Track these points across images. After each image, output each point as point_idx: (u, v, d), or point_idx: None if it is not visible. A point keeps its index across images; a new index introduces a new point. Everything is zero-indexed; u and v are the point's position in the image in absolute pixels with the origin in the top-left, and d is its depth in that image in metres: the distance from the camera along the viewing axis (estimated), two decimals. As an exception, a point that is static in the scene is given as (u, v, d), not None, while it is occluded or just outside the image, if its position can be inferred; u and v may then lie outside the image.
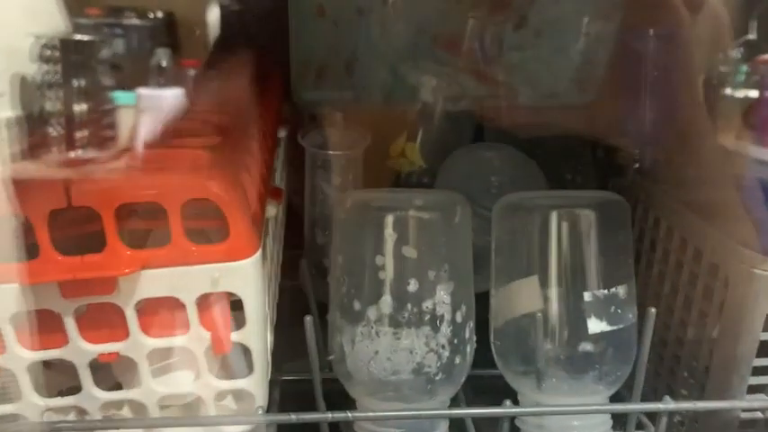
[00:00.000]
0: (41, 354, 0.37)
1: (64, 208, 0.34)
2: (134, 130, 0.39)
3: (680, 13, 0.51)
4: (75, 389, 0.38)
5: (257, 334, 0.39)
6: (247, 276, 0.37)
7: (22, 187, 0.34)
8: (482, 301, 0.47)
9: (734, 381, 0.45)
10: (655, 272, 0.54)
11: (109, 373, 0.40)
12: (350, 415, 0.41)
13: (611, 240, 0.45)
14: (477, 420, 0.46)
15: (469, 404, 0.49)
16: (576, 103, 0.65)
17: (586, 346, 0.44)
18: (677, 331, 0.51)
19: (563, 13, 0.62)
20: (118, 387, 0.39)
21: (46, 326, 0.36)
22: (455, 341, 0.43)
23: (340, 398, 0.46)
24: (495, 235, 0.47)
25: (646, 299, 0.54)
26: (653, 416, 0.45)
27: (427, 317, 0.42)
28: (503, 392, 0.46)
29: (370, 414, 0.44)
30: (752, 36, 0.50)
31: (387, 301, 0.42)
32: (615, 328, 0.44)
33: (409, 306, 0.42)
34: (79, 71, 0.37)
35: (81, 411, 0.39)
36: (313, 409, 0.45)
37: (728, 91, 0.51)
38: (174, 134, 0.40)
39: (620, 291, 0.45)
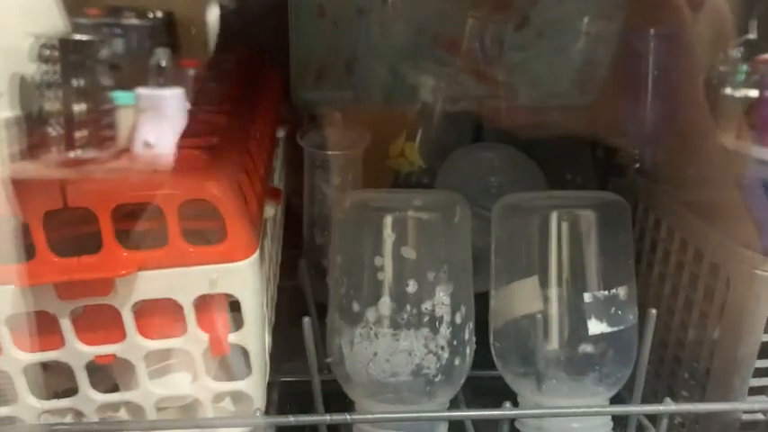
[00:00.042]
0: (37, 356, 0.36)
1: (60, 209, 0.34)
2: (133, 130, 0.39)
3: (682, 13, 0.50)
4: (73, 391, 0.38)
5: (255, 335, 0.39)
6: (245, 277, 0.37)
7: (18, 187, 0.33)
8: (482, 301, 0.47)
9: (735, 382, 0.45)
10: (655, 273, 0.54)
11: (106, 375, 0.39)
12: (348, 417, 0.41)
13: (611, 241, 0.45)
14: (476, 422, 0.46)
15: (469, 405, 0.49)
16: (577, 104, 0.65)
17: (586, 348, 0.44)
18: (678, 332, 0.51)
19: (565, 14, 0.62)
20: (115, 389, 0.39)
21: (42, 327, 0.36)
22: (454, 342, 0.43)
23: (339, 399, 0.46)
24: (494, 235, 0.47)
25: (646, 300, 0.53)
26: (653, 417, 0.45)
27: (426, 318, 0.42)
28: (502, 393, 0.46)
29: (369, 416, 0.43)
30: (752, 36, 0.50)
31: (386, 303, 0.42)
32: (615, 329, 0.44)
33: (408, 307, 0.42)
34: (78, 71, 0.37)
35: (78, 413, 0.39)
36: (312, 410, 0.44)
37: (729, 91, 0.50)
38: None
39: (621, 292, 0.45)
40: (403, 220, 0.43)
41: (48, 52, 0.36)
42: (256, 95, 0.53)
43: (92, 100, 0.38)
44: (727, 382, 0.45)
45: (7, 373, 0.37)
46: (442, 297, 0.43)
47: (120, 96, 0.39)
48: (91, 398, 0.38)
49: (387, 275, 0.42)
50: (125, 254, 0.35)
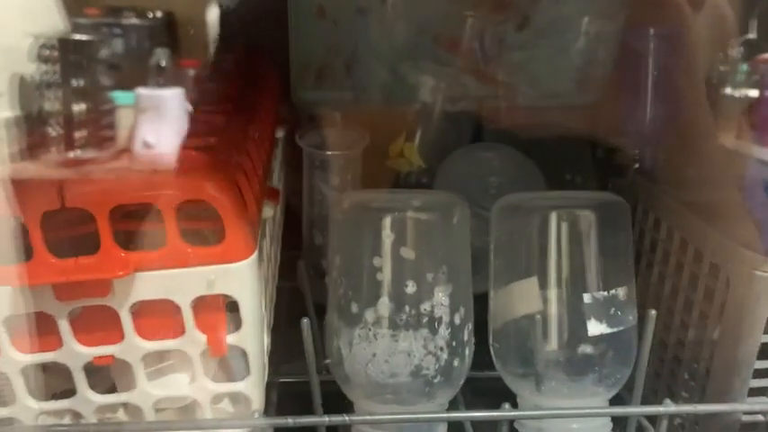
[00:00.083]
0: (35, 357, 0.36)
1: (58, 209, 0.33)
2: (133, 130, 0.39)
3: (683, 12, 0.50)
4: (71, 392, 0.38)
5: (254, 336, 0.39)
6: (243, 278, 0.37)
7: (16, 188, 0.33)
8: (481, 302, 0.47)
9: (735, 383, 0.45)
10: (655, 273, 0.54)
11: (104, 376, 0.39)
12: (347, 418, 0.41)
13: (610, 241, 0.45)
14: (475, 423, 0.46)
15: (468, 406, 0.49)
16: (577, 104, 0.65)
17: (586, 349, 0.44)
18: (678, 333, 0.51)
19: (565, 13, 0.61)
20: (113, 390, 0.39)
21: (40, 328, 0.36)
22: (453, 343, 0.43)
23: (338, 400, 0.46)
24: (493, 236, 0.47)
25: (646, 300, 0.53)
26: (653, 418, 0.45)
27: (425, 319, 0.42)
28: (502, 394, 0.46)
29: (368, 417, 0.43)
30: (752, 35, 0.50)
31: (384, 303, 0.42)
32: (615, 330, 0.44)
33: (407, 308, 0.42)
34: (78, 71, 0.37)
35: (76, 414, 0.39)
36: (311, 411, 0.44)
37: (729, 90, 0.50)
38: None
39: (620, 292, 0.45)
40: (402, 221, 0.43)
41: (47, 52, 0.36)
42: (255, 95, 0.53)
43: (91, 100, 0.38)
44: (727, 383, 0.45)
45: (5, 374, 0.36)
46: (440, 298, 0.42)
47: (119, 96, 0.39)
48: (89, 399, 0.38)
49: (386, 276, 0.42)
50: (123, 255, 0.35)
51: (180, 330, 0.37)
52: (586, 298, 0.44)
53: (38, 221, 0.33)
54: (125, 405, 0.40)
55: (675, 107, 0.55)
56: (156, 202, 0.34)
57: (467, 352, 0.44)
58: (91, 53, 0.38)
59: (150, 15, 0.51)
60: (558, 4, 0.62)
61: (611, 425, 0.46)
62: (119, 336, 0.36)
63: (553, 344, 0.44)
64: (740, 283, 0.44)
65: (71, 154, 0.36)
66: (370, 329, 0.42)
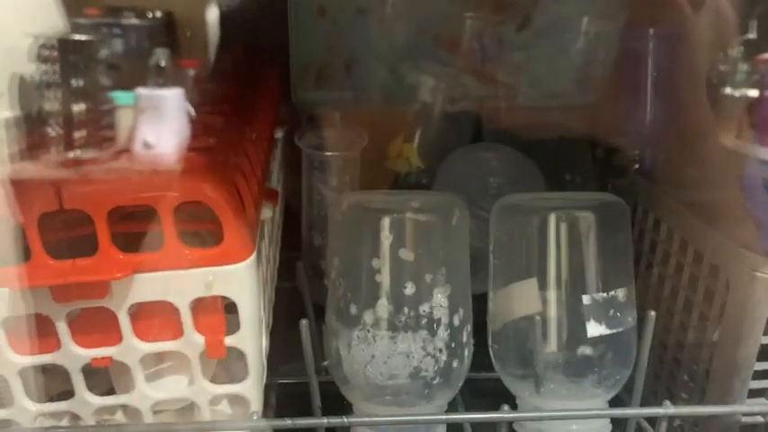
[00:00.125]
0: (33, 358, 0.36)
1: (56, 211, 0.33)
2: (133, 130, 0.39)
3: (683, 12, 0.50)
4: (69, 393, 0.38)
5: (252, 338, 0.38)
6: (242, 280, 0.37)
7: (14, 189, 0.33)
8: (480, 303, 0.47)
9: (735, 385, 0.44)
10: (654, 274, 0.54)
11: (103, 378, 0.39)
12: (346, 420, 0.41)
13: (610, 242, 0.45)
14: (474, 424, 0.46)
15: (467, 407, 0.48)
16: (578, 104, 0.64)
17: (585, 350, 0.44)
18: (677, 334, 0.51)
19: (566, 13, 0.61)
20: (112, 392, 0.39)
21: (38, 330, 0.36)
22: (452, 345, 0.43)
23: (337, 401, 0.45)
24: (493, 236, 0.47)
25: (645, 301, 0.53)
26: (653, 420, 0.45)
27: (424, 320, 0.42)
28: (501, 395, 0.46)
29: (367, 419, 0.43)
30: (752, 35, 0.50)
31: (383, 305, 0.42)
32: (614, 331, 0.44)
33: (406, 309, 0.42)
34: (78, 71, 0.37)
35: (74, 416, 0.39)
36: (310, 412, 0.44)
37: (728, 90, 0.50)
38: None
39: (620, 293, 0.44)
40: (401, 222, 0.43)
41: (47, 52, 0.36)
42: (255, 96, 0.53)
43: (91, 100, 0.37)
44: (727, 385, 0.45)
45: (3, 376, 0.36)
46: (439, 299, 0.42)
47: (119, 96, 0.39)
48: (87, 401, 0.38)
49: (384, 277, 0.42)
50: (121, 256, 0.35)
51: (178, 332, 0.37)
52: (586, 299, 0.44)
53: (35, 223, 0.33)
54: (123, 407, 0.39)
55: (675, 107, 0.55)
56: (154, 204, 0.34)
57: (466, 353, 0.44)
58: (90, 53, 0.38)
59: (150, 15, 0.51)
60: (557, 4, 0.61)
61: (610, 426, 0.46)
62: (117, 337, 0.36)
63: (552, 345, 0.44)
64: (740, 284, 0.43)
65: (71, 154, 0.36)
66: (368, 331, 0.42)
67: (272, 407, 0.47)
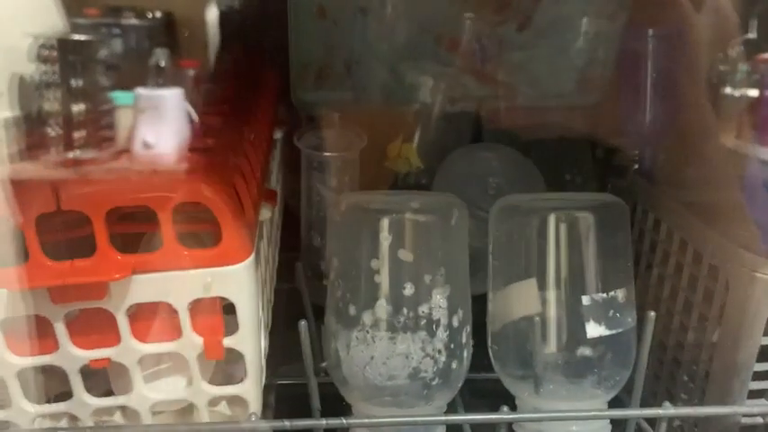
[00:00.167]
0: (31, 360, 0.36)
1: (54, 211, 0.33)
2: (132, 131, 0.39)
3: (685, 11, 0.50)
4: (67, 395, 0.38)
5: (251, 339, 0.38)
6: (240, 281, 0.37)
7: (12, 189, 0.33)
8: (479, 304, 0.46)
9: (734, 385, 0.44)
10: (654, 274, 0.54)
11: (101, 379, 0.39)
12: (345, 421, 0.41)
13: (609, 243, 0.45)
14: (474, 425, 0.46)
15: (467, 408, 0.48)
16: (579, 104, 0.64)
17: (585, 351, 0.44)
18: (677, 335, 0.51)
19: (567, 14, 0.61)
20: (110, 393, 0.39)
21: (36, 331, 0.36)
22: (452, 346, 0.43)
23: (336, 402, 0.45)
24: (492, 237, 0.47)
25: (645, 302, 0.53)
26: (652, 420, 0.44)
27: (423, 321, 0.42)
28: (500, 396, 0.45)
29: (366, 420, 0.43)
30: (752, 35, 0.50)
31: (382, 306, 0.42)
32: (614, 332, 0.44)
33: (405, 310, 0.42)
34: (77, 71, 0.37)
35: (73, 418, 0.39)
36: (309, 413, 0.44)
37: (728, 90, 0.50)
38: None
39: (619, 294, 0.44)
40: (400, 223, 0.42)
41: (47, 52, 0.36)
42: (254, 96, 0.53)
43: (91, 100, 0.37)
44: (727, 385, 0.45)
45: (1, 378, 0.36)
46: (439, 300, 0.42)
47: (119, 96, 0.39)
48: (85, 402, 0.38)
49: (383, 278, 0.42)
50: (119, 257, 0.35)
51: (177, 333, 0.37)
52: (585, 300, 0.44)
53: (33, 224, 0.33)
54: (122, 408, 0.39)
55: (676, 107, 0.55)
56: (152, 205, 0.34)
57: (465, 354, 0.44)
58: (90, 53, 0.38)
59: (149, 15, 0.51)
60: (558, 4, 0.61)
61: (610, 427, 0.46)
62: (115, 339, 0.36)
63: (552, 346, 0.44)
64: (740, 284, 0.43)
65: (70, 154, 0.36)
66: (367, 332, 0.42)
67: (271, 408, 0.47)
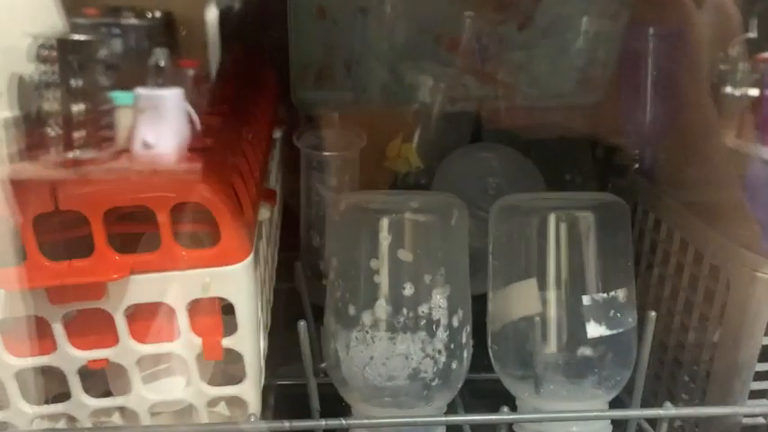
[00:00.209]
0: (29, 361, 0.36)
1: (52, 211, 0.33)
2: (132, 130, 0.39)
3: (687, 10, 0.50)
4: (65, 395, 0.38)
5: (250, 339, 0.38)
6: (239, 281, 0.37)
7: (10, 189, 0.33)
8: (479, 304, 0.46)
9: (735, 385, 0.44)
10: (655, 274, 0.54)
11: (100, 380, 0.39)
12: (344, 422, 0.41)
13: (610, 243, 0.44)
14: (474, 425, 0.46)
15: (467, 408, 0.48)
16: (580, 104, 0.64)
17: (585, 351, 0.44)
18: (678, 335, 0.50)
19: (568, 13, 0.61)
20: (109, 394, 0.39)
21: (34, 332, 0.36)
22: (452, 346, 0.43)
23: (336, 403, 0.45)
24: (492, 237, 0.47)
25: (646, 302, 0.53)
26: (653, 421, 0.44)
27: (423, 321, 0.42)
28: (500, 396, 0.45)
29: (365, 421, 0.43)
30: (752, 34, 0.50)
31: (382, 306, 0.42)
32: (615, 332, 0.44)
33: (405, 310, 0.42)
34: (77, 71, 0.37)
35: (71, 418, 0.39)
36: (308, 413, 0.44)
37: (729, 89, 0.50)
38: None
39: (620, 294, 0.44)
40: (399, 223, 0.42)
41: (46, 52, 0.36)
42: (253, 96, 0.53)
43: (90, 100, 0.37)
44: (728, 386, 0.45)
45: (-1, 379, 0.36)
46: (438, 300, 0.42)
47: (118, 96, 0.39)
48: (84, 403, 0.38)
49: (383, 278, 0.42)
50: (117, 257, 0.34)
51: (175, 333, 0.37)
52: (586, 300, 0.43)
53: (31, 224, 0.33)
54: (120, 409, 0.39)
55: (677, 107, 0.55)
56: (151, 205, 0.34)
57: (465, 354, 0.44)
58: (90, 53, 0.38)
59: (149, 15, 0.51)
60: (559, 3, 0.61)
61: (610, 427, 0.45)
62: (113, 339, 0.36)
63: (552, 346, 0.44)
64: (741, 284, 0.43)
65: (70, 154, 0.36)
66: (367, 332, 0.42)
67: (271, 408, 0.47)
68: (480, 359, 0.46)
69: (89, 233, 0.34)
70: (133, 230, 0.38)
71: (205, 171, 0.35)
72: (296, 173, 0.61)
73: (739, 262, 0.43)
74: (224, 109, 0.45)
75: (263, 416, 0.42)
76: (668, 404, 0.42)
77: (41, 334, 0.36)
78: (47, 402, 0.38)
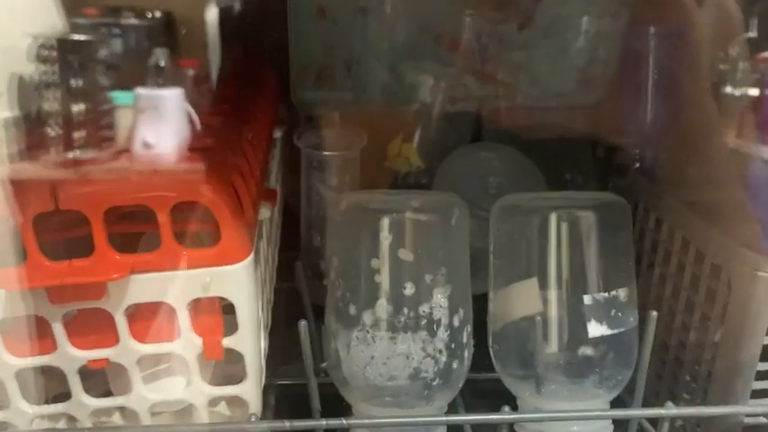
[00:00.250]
0: (29, 360, 0.36)
1: (52, 211, 0.33)
2: (132, 130, 0.39)
3: (687, 9, 0.50)
4: (66, 395, 0.38)
5: (250, 339, 0.38)
6: (239, 281, 0.36)
7: (9, 189, 0.33)
8: (480, 303, 0.46)
9: (737, 385, 0.44)
10: (656, 274, 0.54)
11: (100, 380, 0.39)
12: (345, 422, 0.41)
13: (611, 242, 0.44)
14: (475, 425, 0.46)
15: (467, 408, 0.48)
16: (581, 103, 0.64)
17: (586, 350, 0.44)
18: (679, 335, 0.50)
19: (569, 13, 0.61)
20: (109, 393, 0.39)
21: (34, 332, 0.36)
22: (452, 346, 0.43)
23: (336, 402, 0.45)
24: (493, 237, 0.47)
25: (647, 301, 0.53)
26: (655, 420, 0.44)
27: (424, 321, 0.42)
28: (501, 396, 0.45)
29: (366, 421, 0.43)
30: (752, 34, 0.50)
31: (383, 305, 0.42)
32: (616, 331, 0.44)
33: (406, 310, 0.42)
34: (77, 71, 0.37)
35: (71, 418, 0.39)
36: (309, 413, 0.44)
37: (729, 89, 0.50)
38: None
39: (621, 293, 0.44)
40: (400, 222, 0.42)
41: (46, 52, 0.36)
42: (254, 96, 0.53)
43: (90, 100, 0.37)
44: (730, 385, 0.44)
45: (-1, 379, 0.36)
46: (439, 300, 0.42)
47: (118, 96, 0.39)
48: (84, 403, 0.38)
49: (384, 278, 0.42)
50: (117, 257, 0.34)
51: (176, 333, 0.37)
52: (587, 299, 0.43)
53: (31, 223, 0.33)
54: (121, 409, 0.39)
55: (677, 106, 0.54)
56: (151, 204, 0.34)
57: (466, 354, 0.44)
58: (90, 53, 0.38)
59: (149, 15, 0.51)
60: (559, 3, 0.61)
61: (611, 427, 0.45)
62: (114, 339, 0.36)
63: (553, 346, 0.44)
64: (742, 284, 0.43)
65: (70, 154, 0.36)
66: (368, 332, 0.42)
67: (271, 408, 0.47)
68: (481, 359, 0.46)
69: (89, 233, 0.34)
70: (133, 230, 0.38)
71: (206, 171, 0.35)
72: (296, 172, 0.60)
73: (741, 261, 0.43)
74: (225, 109, 0.45)
75: (264, 416, 0.42)
76: (670, 404, 0.42)
77: (42, 334, 0.35)
78: (47, 402, 0.38)
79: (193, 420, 0.39)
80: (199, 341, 0.37)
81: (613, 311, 0.44)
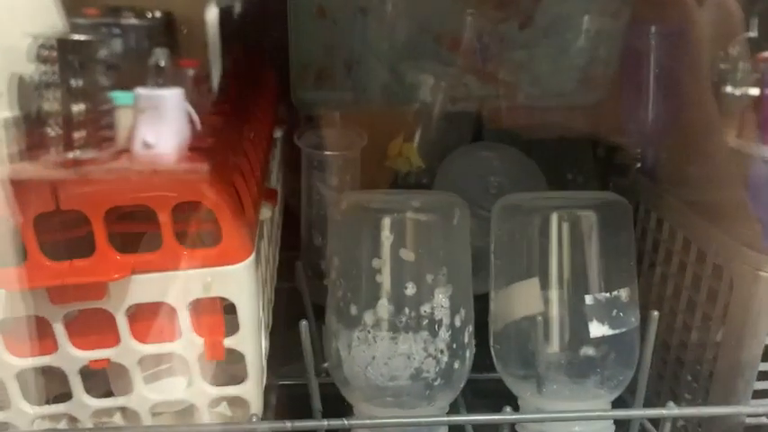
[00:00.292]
0: (30, 361, 0.36)
1: (53, 211, 0.33)
2: (132, 131, 0.39)
3: (688, 8, 0.50)
4: (66, 396, 0.38)
5: (251, 339, 0.38)
6: (240, 281, 0.36)
7: (9, 189, 0.33)
8: (481, 303, 0.46)
9: (739, 385, 0.44)
10: (657, 274, 0.54)
11: (101, 380, 0.39)
12: (346, 422, 0.41)
13: (612, 242, 0.44)
14: (476, 425, 0.46)
15: (469, 408, 0.48)
16: (582, 103, 0.64)
17: (588, 350, 0.43)
18: (681, 335, 0.50)
19: (568, 12, 0.61)
20: (110, 394, 0.39)
21: (35, 332, 0.35)
22: (454, 346, 0.43)
23: (337, 403, 0.45)
24: (494, 236, 0.47)
25: (648, 301, 0.53)
26: (656, 421, 0.44)
27: (425, 321, 0.42)
28: (503, 396, 0.45)
29: (368, 421, 0.43)
30: (752, 33, 0.50)
31: (384, 305, 0.42)
32: (617, 331, 0.44)
33: (407, 310, 0.42)
34: (77, 71, 0.37)
35: (72, 419, 0.38)
36: (310, 413, 0.44)
37: (729, 89, 0.50)
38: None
39: (622, 293, 0.44)
40: (401, 222, 0.42)
41: (46, 52, 0.36)
42: (254, 96, 0.53)
43: (90, 100, 0.37)
44: (731, 385, 0.44)
45: (0, 379, 0.36)
46: (441, 299, 0.42)
47: (118, 96, 0.39)
48: (85, 403, 0.38)
49: (385, 278, 0.42)
50: (118, 257, 0.34)
51: (177, 333, 0.37)
52: (588, 299, 0.43)
53: (31, 223, 0.33)
54: (122, 409, 0.39)
55: (678, 106, 0.54)
56: (152, 204, 0.34)
57: (467, 354, 0.44)
58: (90, 53, 0.38)
59: (149, 15, 0.51)
60: (559, 2, 0.61)
61: (613, 427, 0.45)
62: (115, 339, 0.36)
63: (554, 346, 0.44)
64: (744, 283, 0.43)
65: (70, 154, 0.36)
66: (369, 332, 0.42)
67: (272, 408, 0.47)
68: (482, 359, 0.46)
69: (90, 233, 0.34)
70: (134, 230, 0.38)
71: (206, 170, 0.35)
72: (297, 172, 0.60)
73: (742, 261, 0.43)
74: (225, 109, 0.45)
75: (265, 416, 0.42)
76: (671, 404, 0.42)
77: (42, 334, 0.35)
78: (48, 403, 0.38)
79: (194, 421, 0.39)
80: (200, 341, 0.37)
81: (615, 311, 0.44)
